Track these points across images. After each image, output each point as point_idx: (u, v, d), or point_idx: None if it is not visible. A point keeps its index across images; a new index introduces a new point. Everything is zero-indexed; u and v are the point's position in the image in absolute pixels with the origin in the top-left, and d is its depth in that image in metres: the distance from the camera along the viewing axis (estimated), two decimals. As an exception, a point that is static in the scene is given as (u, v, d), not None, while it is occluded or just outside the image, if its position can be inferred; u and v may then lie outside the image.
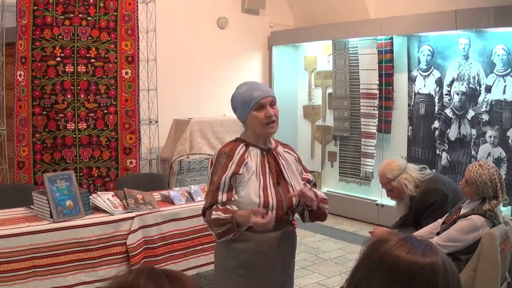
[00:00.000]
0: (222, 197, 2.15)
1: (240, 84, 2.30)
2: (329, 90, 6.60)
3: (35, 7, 4.58)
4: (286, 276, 2.32)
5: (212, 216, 2.12)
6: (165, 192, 3.87)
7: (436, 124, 5.43)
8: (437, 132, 5.44)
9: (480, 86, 5.03)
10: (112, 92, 5.04)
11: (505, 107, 4.88)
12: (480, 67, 5.00)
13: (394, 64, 5.81)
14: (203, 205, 2.25)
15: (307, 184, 2.35)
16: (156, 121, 5.62)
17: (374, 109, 5.93)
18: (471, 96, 5.10)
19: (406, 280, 0.98)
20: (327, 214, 2.37)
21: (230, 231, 2.11)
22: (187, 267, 3.59)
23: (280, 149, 2.35)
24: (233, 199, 2.16)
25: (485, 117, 5.00)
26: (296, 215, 2.39)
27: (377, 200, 5.97)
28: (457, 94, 5.21)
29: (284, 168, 2.28)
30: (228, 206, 2.14)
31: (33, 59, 4.63)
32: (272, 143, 2.34)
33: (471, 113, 5.12)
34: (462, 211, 2.90)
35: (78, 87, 4.87)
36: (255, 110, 2.19)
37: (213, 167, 2.22)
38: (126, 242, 3.32)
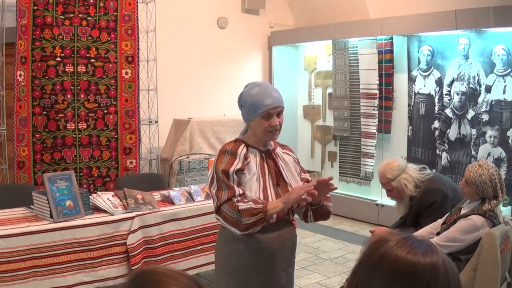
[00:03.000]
0: (238, 190, 2.11)
1: (252, 83, 2.28)
2: (329, 90, 6.60)
3: (35, 7, 4.58)
4: (287, 276, 2.32)
5: (241, 207, 2.06)
6: (165, 192, 3.87)
7: (436, 124, 5.43)
8: (437, 132, 5.44)
9: (480, 86, 5.03)
10: (112, 92, 5.04)
11: (505, 107, 4.88)
12: (480, 67, 5.00)
13: (394, 64, 5.81)
14: (216, 202, 2.12)
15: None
16: (156, 121, 5.62)
17: (374, 109, 5.93)
18: (471, 96, 5.10)
19: (407, 280, 0.98)
20: (331, 212, 2.36)
21: (260, 221, 2.07)
22: (187, 267, 3.59)
23: (279, 150, 2.35)
24: (246, 193, 2.13)
25: (485, 117, 5.00)
26: (298, 217, 2.39)
27: (377, 200, 5.97)
28: (457, 94, 5.21)
29: (283, 169, 2.28)
30: (255, 198, 2.12)
31: (33, 59, 4.63)
32: (272, 144, 2.34)
33: (471, 113, 5.12)
34: (462, 211, 2.90)
35: (78, 87, 4.87)
36: (262, 117, 2.19)
37: (217, 163, 2.18)
38: (126, 242, 3.32)
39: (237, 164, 2.16)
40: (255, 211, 2.06)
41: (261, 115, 2.18)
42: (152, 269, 0.93)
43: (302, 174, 2.40)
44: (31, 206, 3.39)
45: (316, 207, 2.28)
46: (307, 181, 2.37)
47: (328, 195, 2.32)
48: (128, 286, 0.88)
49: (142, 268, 0.97)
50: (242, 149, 2.22)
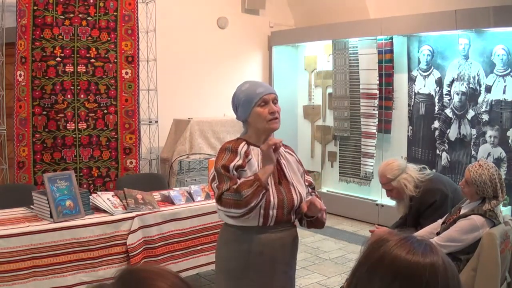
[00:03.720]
0: (238, 181, 2.11)
1: (241, 83, 2.30)
2: (329, 90, 6.60)
3: (35, 7, 4.59)
4: (287, 277, 2.31)
5: (235, 186, 2.08)
6: (165, 192, 3.87)
7: (436, 124, 5.43)
8: (437, 132, 5.44)
9: (480, 86, 5.03)
10: (112, 92, 5.04)
11: (505, 107, 4.88)
12: (480, 67, 5.00)
13: (394, 64, 5.81)
14: (218, 192, 2.12)
15: (308, 187, 2.36)
16: (156, 121, 5.62)
17: (374, 109, 5.93)
18: (471, 96, 5.10)
19: (406, 280, 0.97)
20: (325, 223, 2.36)
21: (259, 190, 2.06)
22: (187, 267, 3.59)
23: (281, 149, 2.35)
24: None
25: (485, 117, 5.00)
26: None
27: (377, 200, 5.97)
28: (457, 94, 5.21)
29: (285, 168, 2.27)
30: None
31: (33, 59, 4.63)
32: (273, 142, 2.34)
33: (471, 113, 5.12)
34: (462, 211, 2.90)
35: (78, 87, 4.87)
36: (259, 106, 2.19)
37: (217, 160, 2.19)
38: (126, 242, 3.32)
39: (237, 161, 2.16)
40: (250, 182, 2.07)
41: (257, 104, 2.19)
42: (139, 267, 0.93)
43: (306, 175, 2.39)
44: (31, 206, 3.39)
45: (310, 219, 2.29)
46: (310, 183, 2.38)
47: (324, 207, 2.27)
48: (116, 284, 0.88)
49: (129, 266, 0.97)
50: (243, 147, 2.22)
